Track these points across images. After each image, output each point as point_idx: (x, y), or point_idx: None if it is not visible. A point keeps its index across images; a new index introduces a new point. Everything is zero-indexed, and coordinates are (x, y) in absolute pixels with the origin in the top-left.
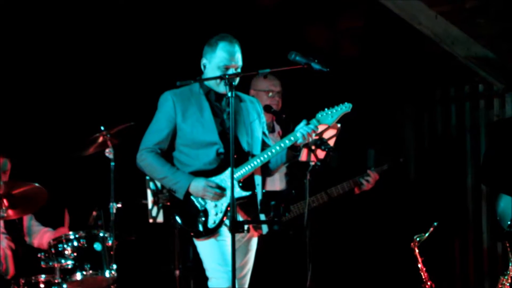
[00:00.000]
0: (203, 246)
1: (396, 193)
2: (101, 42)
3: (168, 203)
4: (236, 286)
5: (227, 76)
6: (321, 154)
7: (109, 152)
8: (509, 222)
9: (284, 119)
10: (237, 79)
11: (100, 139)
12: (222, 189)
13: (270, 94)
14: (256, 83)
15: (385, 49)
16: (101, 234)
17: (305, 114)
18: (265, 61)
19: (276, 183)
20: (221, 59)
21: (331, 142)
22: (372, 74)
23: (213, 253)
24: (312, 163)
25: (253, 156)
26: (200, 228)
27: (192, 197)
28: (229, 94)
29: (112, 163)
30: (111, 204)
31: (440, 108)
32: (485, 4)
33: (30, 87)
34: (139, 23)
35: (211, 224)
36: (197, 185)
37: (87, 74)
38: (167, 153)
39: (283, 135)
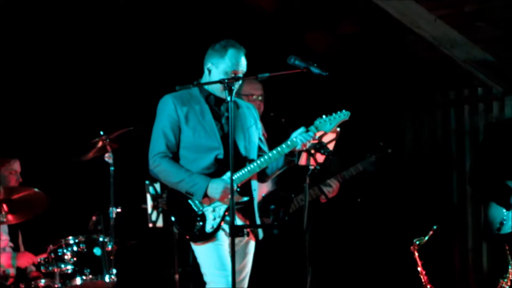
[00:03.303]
0: (201, 251)
1: (395, 196)
2: (100, 47)
3: (166, 207)
4: None
5: (226, 81)
6: (320, 158)
7: (108, 157)
8: (498, 225)
9: (283, 123)
10: (237, 84)
11: (100, 143)
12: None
13: (252, 98)
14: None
15: (385, 53)
16: (100, 239)
17: (304, 118)
18: (264, 66)
19: (263, 186)
20: (229, 65)
21: (331, 146)
22: (372, 78)
23: (210, 257)
24: (312, 167)
25: (250, 161)
26: (198, 232)
27: (189, 201)
28: (228, 99)
29: (112, 168)
30: (110, 208)
31: (440, 112)
32: (484, 7)
33: (30, 92)
34: (139, 28)
35: (208, 228)
36: (217, 187)
37: (86, 79)
38: (176, 156)
39: (281, 140)
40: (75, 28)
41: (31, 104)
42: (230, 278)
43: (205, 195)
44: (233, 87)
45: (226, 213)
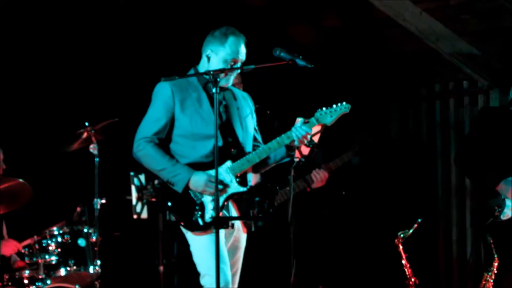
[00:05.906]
0: (198, 241)
1: (380, 189)
2: (86, 37)
3: (158, 198)
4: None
5: (211, 72)
6: (305, 150)
7: (93, 148)
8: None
9: (268, 115)
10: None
11: (85, 134)
12: (224, 185)
13: None
14: None
15: (370, 46)
16: (85, 230)
17: (290, 111)
18: (249, 57)
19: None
20: (229, 52)
21: (316, 139)
22: (357, 71)
23: (208, 249)
24: (297, 160)
25: (246, 152)
26: (198, 222)
27: (189, 191)
28: (214, 90)
29: (97, 159)
30: (95, 200)
31: (425, 105)
32: (469, 0)
33: (14, 81)
34: (125, 20)
35: (208, 218)
36: (198, 180)
37: (71, 70)
38: (163, 144)
39: (267, 132)
40: (60, 19)
41: (15, 94)
42: (228, 271)
43: (187, 187)
44: (218, 79)
45: (225, 203)
